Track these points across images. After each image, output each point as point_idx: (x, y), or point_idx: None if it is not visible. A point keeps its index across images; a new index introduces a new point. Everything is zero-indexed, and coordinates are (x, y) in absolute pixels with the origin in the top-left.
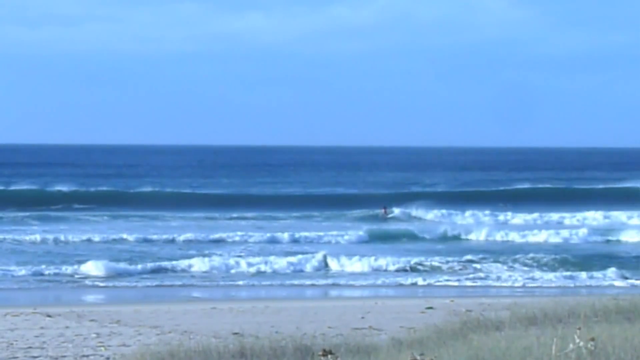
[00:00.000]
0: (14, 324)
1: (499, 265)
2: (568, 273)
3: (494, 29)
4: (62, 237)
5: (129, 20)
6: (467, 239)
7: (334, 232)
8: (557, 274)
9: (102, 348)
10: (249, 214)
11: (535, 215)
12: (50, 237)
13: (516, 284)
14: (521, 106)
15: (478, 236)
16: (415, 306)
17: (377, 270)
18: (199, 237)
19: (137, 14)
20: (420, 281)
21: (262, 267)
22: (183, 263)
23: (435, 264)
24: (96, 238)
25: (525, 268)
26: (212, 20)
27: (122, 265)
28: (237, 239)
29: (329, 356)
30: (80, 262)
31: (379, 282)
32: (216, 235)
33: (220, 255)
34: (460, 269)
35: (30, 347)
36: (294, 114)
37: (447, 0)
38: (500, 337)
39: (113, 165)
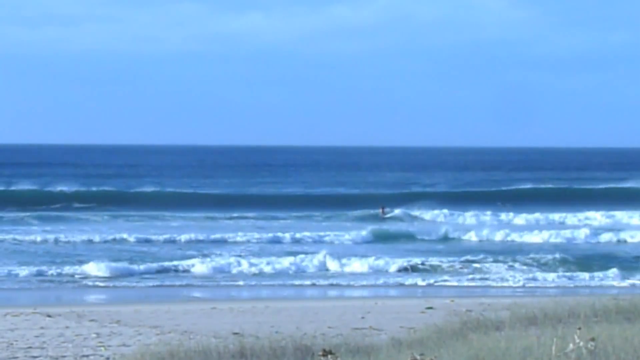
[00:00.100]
0: (14, 324)
1: (499, 265)
2: (568, 273)
3: (494, 29)
4: (62, 237)
5: (129, 20)
6: (467, 239)
7: (334, 232)
8: (558, 274)
9: (102, 348)
10: (249, 214)
11: (536, 215)
12: (51, 237)
13: (516, 284)
14: (521, 106)
15: (478, 236)
16: (415, 306)
17: (377, 270)
18: (199, 237)
19: (137, 14)
20: (420, 281)
21: (262, 267)
22: (183, 263)
23: (435, 264)
24: (96, 238)
25: (525, 268)
26: (212, 20)
27: (123, 265)
28: (237, 239)
29: (329, 356)
30: (80, 262)
31: (379, 282)
32: (216, 235)
33: (221, 255)
34: (460, 269)
35: (30, 347)
36: (294, 114)
37: (447, 0)
38: (500, 337)
39: (113, 165)
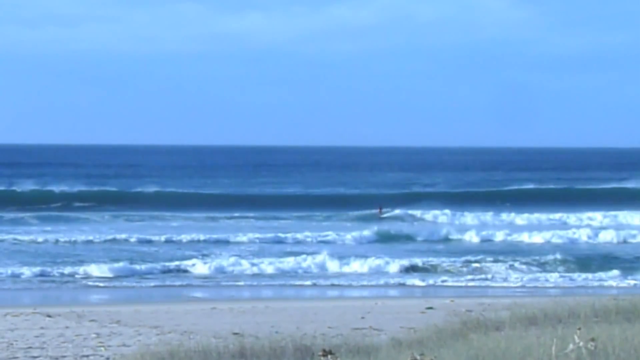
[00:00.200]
0: (14, 324)
1: (499, 265)
2: (568, 273)
3: (494, 29)
4: (62, 237)
5: (129, 20)
6: (467, 239)
7: (334, 232)
8: (558, 274)
9: (102, 348)
10: (250, 214)
11: (536, 215)
12: (51, 237)
13: (516, 284)
14: (521, 106)
15: (478, 236)
16: (415, 306)
17: (377, 271)
18: (199, 237)
19: (137, 14)
20: (420, 281)
21: (262, 267)
22: (183, 263)
23: (435, 264)
24: (96, 238)
25: (525, 268)
26: (212, 20)
27: (123, 265)
28: (237, 239)
29: (329, 356)
30: (80, 262)
31: (379, 282)
32: (216, 236)
33: (221, 255)
34: (460, 269)
35: (30, 347)
36: (294, 114)
37: (447, 0)
38: (500, 337)
39: (113, 165)
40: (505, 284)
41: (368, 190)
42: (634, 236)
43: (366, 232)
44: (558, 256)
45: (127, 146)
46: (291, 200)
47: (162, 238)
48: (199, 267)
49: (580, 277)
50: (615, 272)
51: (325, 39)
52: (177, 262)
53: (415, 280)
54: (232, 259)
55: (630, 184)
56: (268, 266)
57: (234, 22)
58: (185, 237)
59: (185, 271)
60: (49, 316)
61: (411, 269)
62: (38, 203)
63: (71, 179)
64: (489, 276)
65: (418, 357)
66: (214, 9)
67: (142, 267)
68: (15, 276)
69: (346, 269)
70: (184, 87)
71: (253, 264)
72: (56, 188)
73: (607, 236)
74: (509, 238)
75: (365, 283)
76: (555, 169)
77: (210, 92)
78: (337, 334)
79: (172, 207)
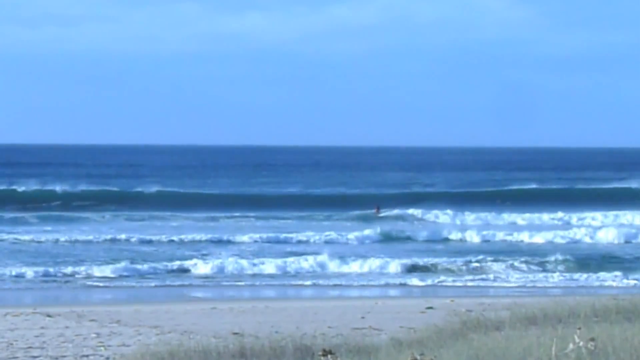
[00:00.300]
0: (14, 324)
1: (499, 265)
2: (569, 273)
3: (494, 29)
4: (62, 237)
5: (129, 20)
6: (467, 239)
7: (334, 232)
8: (558, 274)
9: (102, 348)
10: (250, 214)
11: (536, 215)
12: (51, 237)
13: (516, 284)
14: (521, 106)
15: (478, 236)
16: (415, 306)
17: (377, 270)
18: (199, 237)
19: (137, 14)
20: (420, 281)
21: (263, 267)
22: (183, 263)
23: (436, 264)
24: (97, 238)
25: (526, 268)
26: (212, 20)
27: (123, 265)
28: (237, 239)
29: (329, 356)
30: (80, 262)
31: (379, 282)
32: (216, 235)
33: (221, 255)
34: (460, 269)
35: (30, 347)
36: (294, 114)
37: (447, 0)
38: (500, 337)
39: (113, 165)
40: (505, 284)
41: (368, 190)
42: (634, 236)
43: (366, 232)
44: (558, 256)
45: (127, 146)
46: (291, 200)
47: (162, 238)
48: (199, 267)
49: (580, 277)
50: (616, 272)
51: (325, 39)
52: (177, 262)
53: (415, 280)
54: (232, 259)
55: (630, 184)
56: (268, 266)
57: (234, 22)
58: (185, 237)
59: (186, 271)
60: (49, 316)
61: (411, 269)
62: (38, 203)
63: (71, 179)
64: (489, 276)
65: (418, 357)
66: (214, 9)
67: (143, 267)
68: (16, 276)
69: (346, 269)
70: (184, 87)
71: (253, 264)
72: (56, 188)
73: (607, 236)
74: (509, 238)
75: (365, 283)
76: (555, 168)
77: (211, 92)
78: (337, 333)
79: (172, 207)
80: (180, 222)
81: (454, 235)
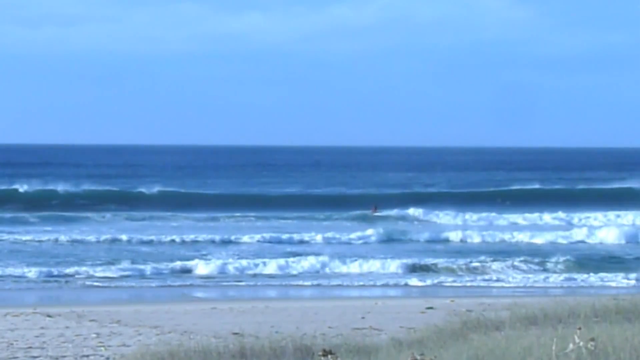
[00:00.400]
0: (14, 324)
1: (499, 265)
2: (569, 273)
3: (494, 29)
4: (62, 237)
5: (129, 20)
6: (468, 239)
7: (335, 232)
8: (558, 274)
9: (102, 348)
10: (250, 214)
11: (536, 215)
12: (51, 237)
13: (516, 284)
14: (521, 106)
15: (478, 236)
16: (415, 306)
17: (377, 271)
18: (199, 237)
19: (137, 14)
20: (420, 281)
21: (263, 267)
22: (184, 263)
23: (436, 263)
24: (97, 238)
25: (526, 268)
26: (212, 20)
27: (124, 265)
28: (237, 239)
29: (329, 356)
30: (81, 262)
31: (379, 282)
32: (216, 236)
33: (221, 255)
34: (460, 269)
35: (30, 347)
36: (294, 114)
37: (447, 0)
38: (500, 337)
39: (114, 165)
40: (505, 284)
41: (368, 190)
42: (634, 236)
43: (367, 232)
44: (558, 256)
45: (127, 146)
46: (291, 200)
47: (163, 238)
48: (200, 267)
49: (580, 277)
50: (616, 272)
51: (325, 39)
52: (177, 262)
53: (415, 280)
54: (232, 259)
55: (630, 184)
56: (268, 266)
57: (234, 22)
58: (185, 237)
59: (186, 271)
60: (49, 316)
61: (411, 269)
62: (39, 202)
63: (72, 179)
64: (489, 276)
65: (418, 357)
66: (214, 9)
67: (143, 267)
68: (16, 276)
69: (346, 269)
70: (184, 87)
71: (253, 264)
72: (57, 187)
73: (608, 236)
74: (510, 238)
75: (365, 283)
76: (555, 168)
77: (210, 92)
78: (337, 334)
79: (172, 207)
80: (180, 222)
81: (454, 236)
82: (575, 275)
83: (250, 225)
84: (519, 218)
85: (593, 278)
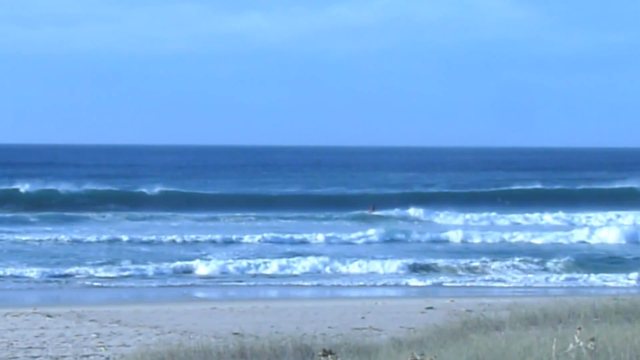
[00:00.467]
0: (14, 324)
1: (499, 265)
2: (569, 273)
3: (494, 29)
4: (63, 237)
5: (129, 20)
6: (468, 239)
7: (335, 232)
8: (558, 274)
9: (102, 348)
10: (250, 214)
11: (536, 215)
12: (51, 237)
13: (516, 284)
14: (521, 106)
15: (478, 236)
16: (415, 306)
17: (377, 270)
18: (199, 237)
19: (137, 14)
20: (420, 281)
21: (263, 267)
22: (184, 263)
23: (436, 263)
24: (97, 238)
25: (526, 268)
26: (212, 20)
27: (124, 265)
28: (238, 239)
29: (329, 356)
30: (81, 262)
31: (379, 282)
32: (217, 236)
33: (221, 255)
34: (460, 269)
35: (30, 347)
36: (294, 114)
37: (447, 0)
38: (500, 337)
39: (114, 165)
40: (505, 284)
41: (368, 190)
42: (634, 236)
43: (367, 232)
44: (558, 256)
45: (127, 146)
46: (291, 200)
47: (163, 238)
48: (200, 267)
49: (581, 277)
50: (616, 272)
51: (325, 39)
52: (177, 262)
53: (415, 280)
54: (232, 259)
55: (630, 184)
56: (268, 266)
57: (234, 22)
58: (186, 237)
59: (186, 271)
60: (49, 316)
61: (412, 269)
62: (39, 202)
63: (72, 179)
64: (489, 276)
65: (418, 357)
66: (214, 9)
67: (143, 267)
68: (16, 276)
69: (346, 269)
70: (184, 87)
71: (253, 264)
72: (57, 188)
73: (608, 236)
74: (510, 238)
75: (365, 283)
76: (555, 168)
77: (210, 92)
78: (337, 334)
79: (172, 207)
80: (180, 222)
81: (455, 236)
82: (576, 275)
83: (250, 225)
84: (519, 218)
85: (593, 278)
